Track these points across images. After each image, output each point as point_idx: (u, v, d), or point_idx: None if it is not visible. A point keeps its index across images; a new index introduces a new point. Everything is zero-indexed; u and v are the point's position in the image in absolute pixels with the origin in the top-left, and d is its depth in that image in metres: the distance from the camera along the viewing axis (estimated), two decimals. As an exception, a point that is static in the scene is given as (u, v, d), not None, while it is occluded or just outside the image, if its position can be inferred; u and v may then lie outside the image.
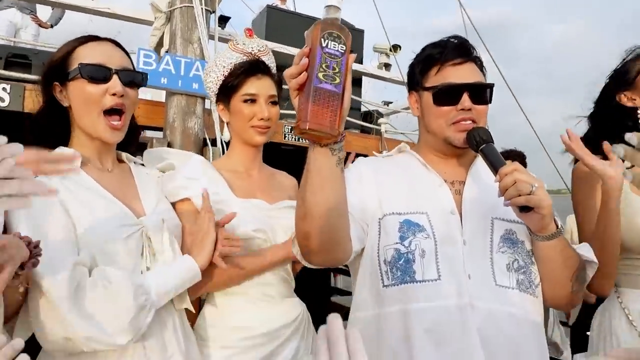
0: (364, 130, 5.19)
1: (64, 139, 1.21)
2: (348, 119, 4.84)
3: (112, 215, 1.13)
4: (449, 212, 1.24)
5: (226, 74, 1.50)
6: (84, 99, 1.16)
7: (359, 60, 5.33)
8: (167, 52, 2.98)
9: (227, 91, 1.50)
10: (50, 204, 1.03)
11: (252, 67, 1.48)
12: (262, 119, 1.46)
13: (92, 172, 1.21)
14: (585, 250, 1.24)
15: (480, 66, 1.30)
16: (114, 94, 1.17)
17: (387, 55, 5.22)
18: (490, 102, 1.28)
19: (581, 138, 1.42)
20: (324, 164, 1.00)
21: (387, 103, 6.42)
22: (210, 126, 3.00)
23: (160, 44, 3.22)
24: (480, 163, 1.31)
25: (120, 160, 1.35)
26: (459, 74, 1.25)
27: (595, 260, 1.22)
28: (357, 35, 5.32)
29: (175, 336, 1.15)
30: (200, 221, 1.27)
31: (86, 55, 1.18)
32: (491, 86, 1.28)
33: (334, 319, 0.62)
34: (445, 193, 1.27)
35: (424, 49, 1.34)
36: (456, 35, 1.32)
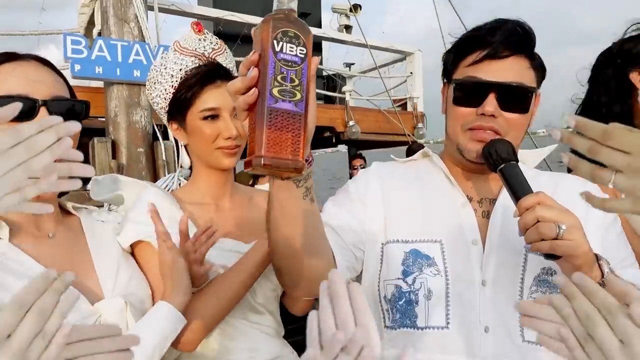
0: (327, 99, 4.93)
1: None
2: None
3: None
4: (469, 241, 0.99)
5: (176, 85, 1.19)
6: None
7: (317, 24, 4.98)
8: (99, 35, 2.58)
9: (180, 107, 1.19)
10: None
11: (209, 74, 1.17)
12: (229, 137, 1.16)
13: (27, 242, 0.93)
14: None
15: (536, 66, 1.00)
16: None
17: (347, 16, 4.88)
18: (528, 112, 0.99)
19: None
20: (288, 199, 0.82)
21: (348, 65, 6.14)
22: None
23: (91, 22, 2.81)
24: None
25: (64, 210, 1.07)
26: (494, 69, 0.97)
27: None
28: (313, -5, 4.94)
29: None
30: (160, 254, 1.03)
31: (1, 83, 0.88)
32: (532, 91, 0.98)
33: (335, 274, 0.61)
34: (468, 216, 1.02)
35: (464, 35, 1.05)
36: (518, 20, 0.99)
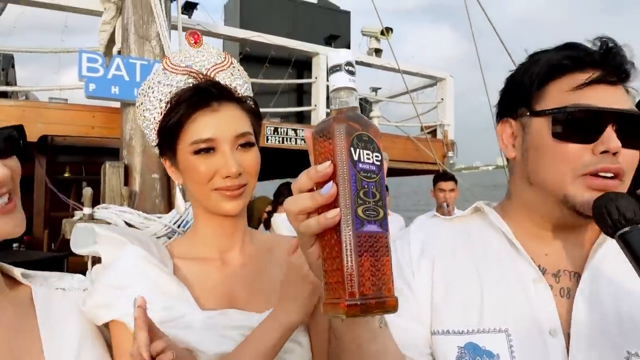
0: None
1: None
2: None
3: None
4: (546, 331, 0.76)
5: (164, 110, 0.95)
6: None
7: (347, 46, 4.83)
8: (119, 52, 2.44)
9: (168, 139, 0.94)
10: None
11: (200, 94, 0.92)
12: (228, 176, 0.90)
13: None
14: None
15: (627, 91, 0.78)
16: None
17: (378, 39, 4.71)
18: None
19: None
20: (366, 336, 0.66)
21: (375, 90, 5.97)
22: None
23: (112, 40, 2.68)
24: (611, 248, 0.77)
25: (10, 279, 0.84)
26: (605, 97, 0.75)
27: None
28: (343, 18, 4.80)
29: None
30: None
31: None
32: None
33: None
34: (543, 296, 0.78)
35: (537, 55, 0.81)
36: (605, 36, 0.77)
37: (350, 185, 0.55)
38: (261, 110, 1.04)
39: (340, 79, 0.56)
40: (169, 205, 2.36)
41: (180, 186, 1.00)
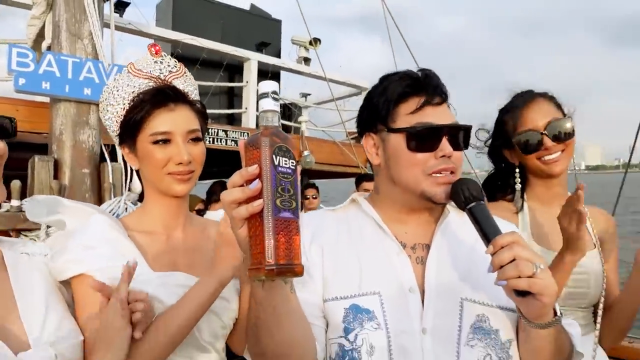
0: (283, 128, 4.97)
1: None
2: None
3: None
4: (407, 290, 0.99)
5: (127, 107, 1.15)
6: None
7: (277, 53, 5.04)
8: (49, 48, 2.46)
9: (130, 130, 1.14)
10: None
11: (160, 96, 1.12)
12: (180, 162, 1.11)
13: None
14: (575, 334, 1.03)
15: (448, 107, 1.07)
16: None
17: (307, 49, 4.97)
18: (467, 148, 1.05)
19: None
20: (280, 299, 0.85)
21: (304, 95, 6.22)
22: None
23: (41, 35, 2.67)
24: (451, 222, 1.09)
25: None
26: (437, 115, 1.01)
27: (580, 350, 1.04)
28: (274, 26, 5.01)
29: None
30: (109, 314, 0.94)
31: None
32: (469, 129, 1.05)
33: None
34: (403, 264, 1.02)
35: (387, 82, 1.07)
36: (425, 68, 1.07)
37: (272, 183, 0.74)
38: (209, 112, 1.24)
39: (267, 104, 0.77)
40: (99, 200, 2.42)
41: (136, 170, 1.19)
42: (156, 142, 1.12)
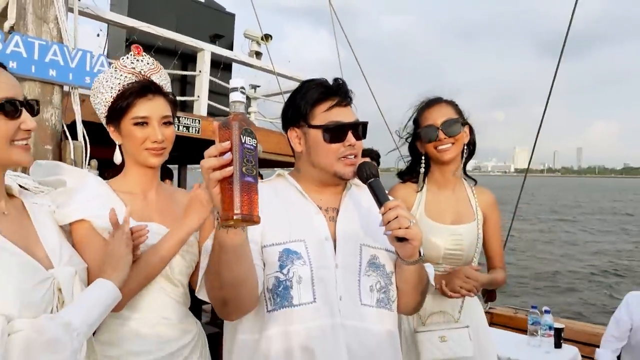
0: (233, 117, 5.20)
1: None
2: (215, 105, 4.82)
3: (25, 275, 1.05)
4: (323, 238, 1.36)
5: (115, 95, 1.42)
6: None
7: (229, 46, 5.25)
8: (12, 29, 2.58)
9: (117, 113, 1.42)
10: None
11: (142, 89, 1.43)
12: (155, 141, 1.42)
13: None
14: (430, 272, 1.48)
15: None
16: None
17: (258, 43, 5.22)
18: (365, 138, 1.45)
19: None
20: (239, 243, 1.12)
21: (254, 87, 6.45)
22: (69, 109, 2.73)
23: (3, 15, 2.77)
24: (353, 192, 1.49)
25: (10, 196, 1.21)
26: (344, 114, 1.40)
27: (433, 282, 1.49)
28: (227, 20, 5.21)
29: None
30: (116, 244, 1.22)
31: None
32: (366, 124, 1.44)
33: None
34: (320, 221, 1.39)
35: (305, 88, 1.43)
36: (337, 77, 1.44)
37: (239, 155, 1.02)
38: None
39: (237, 96, 1.08)
40: (61, 175, 2.59)
41: (119, 145, 1.47)
42: (137, 124, 1.42)
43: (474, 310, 1.82)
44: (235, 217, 1.00)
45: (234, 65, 5.12)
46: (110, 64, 2.95)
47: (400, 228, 1.23)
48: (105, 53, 4.84)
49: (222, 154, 1.03)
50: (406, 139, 1.94)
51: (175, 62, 4.49)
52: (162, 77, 1.53)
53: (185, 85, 4.84)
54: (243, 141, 1.04)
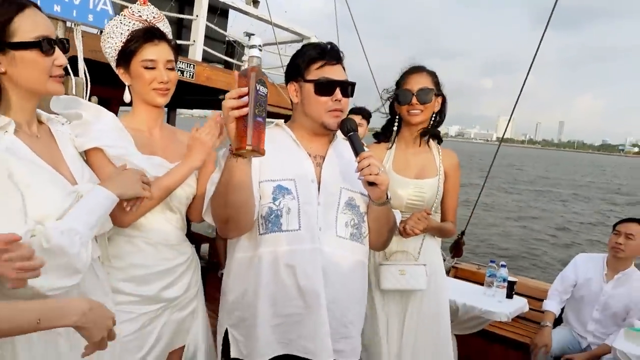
0: (227, 65, 5.24)
1: None
2: (210, 51, 4.95)
3: (56, 189, 1.23)
4: (310, 180, 1.62)
5: (124, 40, 1.58)
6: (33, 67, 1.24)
7: (227, -9, 5.22)
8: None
9: (126, 57, 1.58)
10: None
11: (149, 34, 1.59)
12: (161, 82, 1.59)
13: (24, 138, 1.24)
14: (398, 217, 1.81)
15: (344, 68, 1.67)
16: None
17: (256, -9, 5.21)
18: (352, 96, 1.66)
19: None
20: (245, 171, 1.43)
21: (249, 35, 6.45)
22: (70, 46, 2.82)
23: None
24: (338, 144, 1.74)
25: (39, 122, 1.38)
26: (334, 72, 1.61)
27: (398, 224, 1.80)
28: (226, -36, 5.15)
29: (94, 274, 1.37)
30: (131, 173, 1.44)
31: (35, 25, 1.23)
32: (354, 84, 1.65)
33: None
34: (309, 165, 1.64)
35: (304, 49, 1.67)
36: (331, 42, 1.66)
37: (254, 99, 1.28)
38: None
39: (255, 52, 1.31)
40: (63, 109, 2.72)
41: (128, 86, 1.63)
42: (145, 67, 1.57)
43: (431, 253, 2.10)
44: (246, 148, 1.28)
45: (231, 12, 5.14)
46: (112, 2, 3.03)
47: (371, 174, 1.49)
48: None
49: (240, 97, 1.29)
50: (388, 99, 2.14)
51: (172, 4, 4.51)
52: (164, 25, 1.69)
53: (181, 29, 4.86)
54: (257, 89, 1.29)
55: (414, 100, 1.99)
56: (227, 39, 5.39)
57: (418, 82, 2.01)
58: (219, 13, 4.82)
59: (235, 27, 5.69)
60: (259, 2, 5.28)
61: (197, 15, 4.48)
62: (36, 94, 1.29)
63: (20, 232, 1.05)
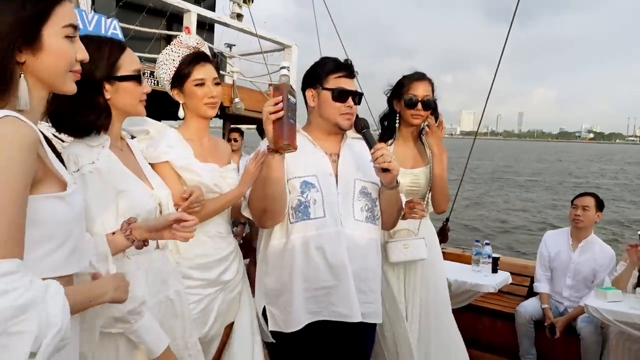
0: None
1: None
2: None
3: (144, 195, 1.50)
4: (329, 175, 1.93)
5: (177, 65, 1.87)
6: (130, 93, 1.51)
7: (212, 6, 5.50)
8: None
9: (180, 79, 1.87)
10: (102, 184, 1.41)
11: (198, 57, 1.87)
12: (211, 97, 1.87)
13: (116, 152, 1.50)
14: (402, 198, 2.13)
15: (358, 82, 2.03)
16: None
17: (240, 6, 5.51)
18: (360, 104, 2.01)
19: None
20: (280, 165, 1.74)
21: (229, 46, 6.73)
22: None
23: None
24: (349, 141, 2.06)
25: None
26: (349, 84, 1.97)
27: (403, 207, 2.15)
28: (211, -18, 5.43)
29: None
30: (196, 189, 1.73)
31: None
32: (362, 95, 2.00)
33: None
34: (326, 162, 1.95)
35: (324, 61, 2.00)
36: (347, 58, 2.01)
37: (286, 106, 1.61)
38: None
39: (284, 72, 1.67)
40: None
41: (182, 104, 1.93)
42: (197, 85, 1.88)
43: (427, 230, 2.48)
44: (283, 144, 1.62)
45: (217, 26, 5.41)
46: (120, 27, 3.29)
47: (384, 162, 1.82)
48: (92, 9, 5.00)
49: (276, 104, 1.62)
50: (385, 93, 2.50)
51: (164, 22, 4.74)
52: (206, 48, 1.99)
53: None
54: (289, 98, 1.64)
55: (419, 106, 2.36)
56: (214, 51, 5.67)
57: (424, 90, 2.37)
58: (207, 28, 5.09)
59: (218, 39, 5.95)
60: (243, 15, 5.57)
61: (188, 32, 4.73)
62: (127, 115, 1.58)
63: (113, 228, 1.36)
